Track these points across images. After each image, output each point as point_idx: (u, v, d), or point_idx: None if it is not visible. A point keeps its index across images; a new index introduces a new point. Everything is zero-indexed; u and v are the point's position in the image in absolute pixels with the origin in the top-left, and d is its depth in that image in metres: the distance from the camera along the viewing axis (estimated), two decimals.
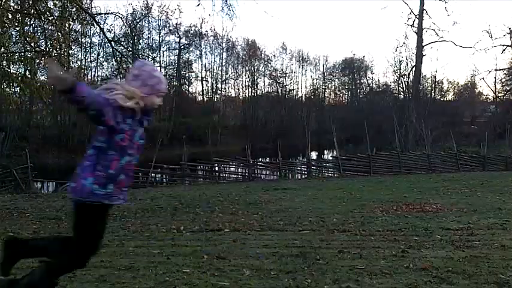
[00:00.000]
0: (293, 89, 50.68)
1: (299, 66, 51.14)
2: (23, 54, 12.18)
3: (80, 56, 35.63)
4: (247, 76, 48.24)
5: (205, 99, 46.62)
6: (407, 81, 38.96)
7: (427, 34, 36.55)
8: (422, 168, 20.39)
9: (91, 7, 13.61)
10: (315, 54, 69.14)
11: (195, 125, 39.13)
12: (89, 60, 37.87)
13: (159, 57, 42.26)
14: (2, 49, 11.14)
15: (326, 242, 5.03)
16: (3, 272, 2.78)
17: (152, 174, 18.41)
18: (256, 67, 48.05)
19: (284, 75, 49.32)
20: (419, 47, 35.74)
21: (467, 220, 6.41)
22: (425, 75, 40.92)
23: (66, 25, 12.68)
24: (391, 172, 19.73)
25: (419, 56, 35.87)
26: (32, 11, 10.43)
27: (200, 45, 44.29)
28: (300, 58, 50.74)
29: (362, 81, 52.41)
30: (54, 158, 29.71)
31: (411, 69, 37.77)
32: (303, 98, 51.78)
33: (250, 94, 48.48)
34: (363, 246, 4.79)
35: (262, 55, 48.32)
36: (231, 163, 20.75)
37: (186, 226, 6.34)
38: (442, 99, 45.37)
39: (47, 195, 12.62)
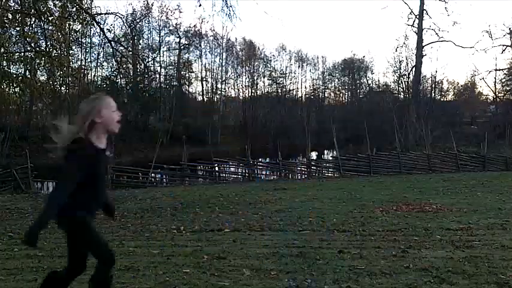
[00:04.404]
0: (293, 89, 50.74)
1: (299, 67, 51.16)
2: (23, 54, 12.20)
3: (80, 56, 35.58)
4: (247, 76, 48.28)
5: (205, 99, 46.63)
6: (407, 81, 38.99)
7: (427, 34, 36.67)
8: (422, 168, 20.38)
9: (91, 7, 13.57)
10: (314, 55, 69.03)
11: (195, 125, 39.12)
12: (88, 60, 37.85)
13: (159, 58, 42.37)
14: (2, 49, 11.16)
15: (326, 242, 5.03)
16: None
17: (152, 174, 18.41)
18: (255, 67, 48.07)
19: (284, 75, 49.33)
20: (419, 47, 35.74)
21: (467, 220, 6.41)
22: (425, 75, 40.91)
23: (66, 25, 12.68)
24: (391, 172, 19.73)
25: (419, 56, 35.87)
26: (32, 11, 10.44)
27: (200, 45, 44.32)
28: (300, 58, 50.77)
29: (362, 81, 52.38)
30: (54, 158, 29.63)
31: (411, 69, 37.82)
32: (303, 98, 51.74)
33: (250, 94, 48.49)
34: (363, 246, 4.78)
35: (262, 55, 48.38)
36: (231, 163, 20.75)
37: (186, 226, 6.34)
38: (442, 99, 45.29)
39: (47, 195, 12.63)
